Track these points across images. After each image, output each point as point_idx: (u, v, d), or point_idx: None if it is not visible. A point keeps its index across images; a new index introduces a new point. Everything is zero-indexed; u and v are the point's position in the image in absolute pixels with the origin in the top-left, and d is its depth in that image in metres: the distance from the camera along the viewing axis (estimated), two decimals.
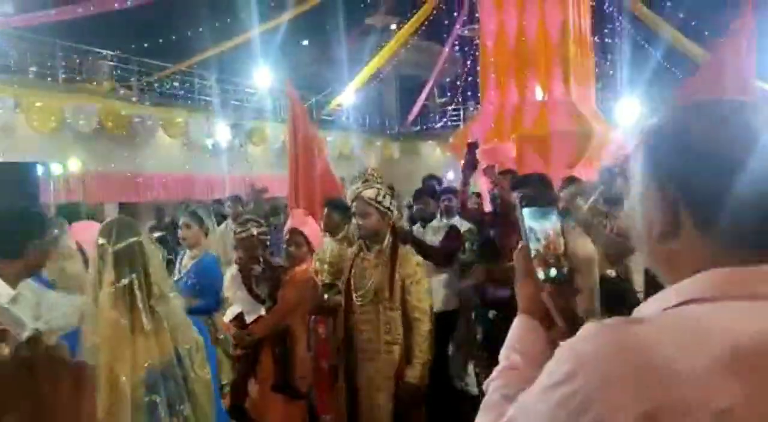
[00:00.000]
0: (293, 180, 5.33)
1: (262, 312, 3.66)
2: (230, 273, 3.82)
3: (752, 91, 3.60)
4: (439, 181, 6.63)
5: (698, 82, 3.70)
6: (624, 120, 16.30)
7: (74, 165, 12.35)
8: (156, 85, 15.37)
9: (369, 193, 3.20)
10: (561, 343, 0.86)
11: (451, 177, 13.81)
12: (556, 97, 10.43)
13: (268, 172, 16.27)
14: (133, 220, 2.06)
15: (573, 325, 1.02)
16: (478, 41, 15.24)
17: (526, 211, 1.09)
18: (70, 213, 13.38)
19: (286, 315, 3.52)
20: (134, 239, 1.92)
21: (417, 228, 4.75)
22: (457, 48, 21.01)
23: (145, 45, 14.38)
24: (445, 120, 22.83)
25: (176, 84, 15.70)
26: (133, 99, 13.94)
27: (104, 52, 14.10)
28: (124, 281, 1.86)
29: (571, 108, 10.28)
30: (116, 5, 12.02)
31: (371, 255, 3.22)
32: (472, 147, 4.84)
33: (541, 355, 1.02)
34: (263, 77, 17.22)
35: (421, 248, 3.79)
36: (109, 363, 1.79)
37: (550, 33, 10.31)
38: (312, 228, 3.78)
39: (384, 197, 3.21)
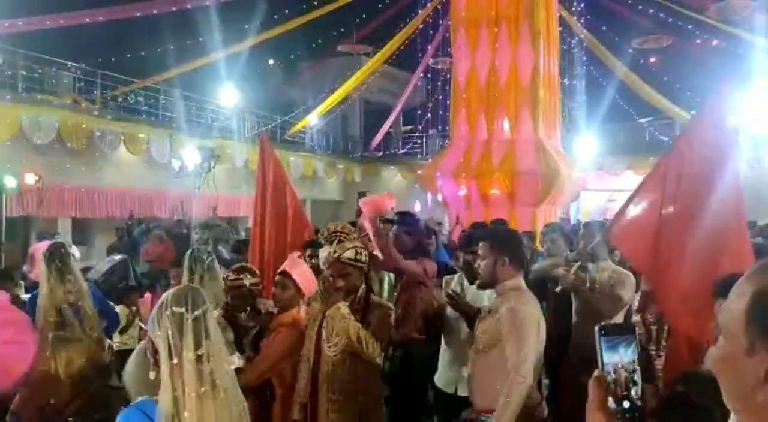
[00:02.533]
0: (260, 223, 5.30)
1: (236, 360, 3.56)
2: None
3: (733, 162, 3.71)
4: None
5: (683, 152, 3.80)
6: (583, 157, 16.80)
7: (29, 178, 11.91)
8: (119, 99, 15.02)
9: (348, 254, 3.24)
10: None
11: (418, 208, 13.96)
12: (524, 135, 10.66)
13: (231, 192, 16.08)
14: (201, 289, 2.09)
15: None
16: (447, 72, 15.50)
17: (603, 340, 1.10)
18: (23, 227, 13.02)
19: (269, 367, 3.42)
20: (206, 307, 1.98)
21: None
22: (425, 77, 21.30)
23: (111, 59, 14.07)
24: (408, 147, 23.04)
25: (140, 99, 15.37)
26: (95, 112, 13.59)
27: (68, 63, 13.72)
28: (202, 350, 1.91)
29: (538, 146, 10.52)
30: (87, 19, 11.75)
31: (343, 305, 3.22)
32: (360, 196, 5.24)
33: None
34: (229, 96, 17.05)
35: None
36: None
37: (521, 74, 10.57)
38: (302, 272, 3.64)
39: (361, 253, 3.28)
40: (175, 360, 1.88)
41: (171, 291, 2.04)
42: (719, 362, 0.91)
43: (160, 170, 14.59)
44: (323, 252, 3.39)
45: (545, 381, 4.50)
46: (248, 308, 3.70)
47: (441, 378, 4.01)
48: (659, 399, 1.84)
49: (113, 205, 13.67)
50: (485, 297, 3.46)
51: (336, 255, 3.24)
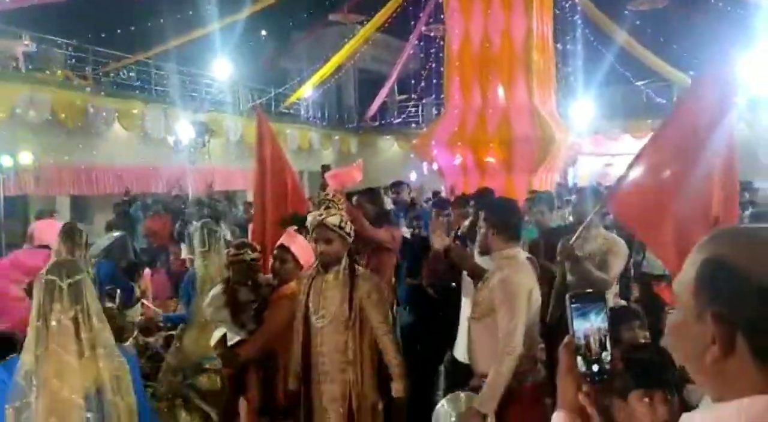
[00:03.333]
0: (260, 200, 5.34)
1: (245, 335, 3.65)
2: (213, 292, 3.80)
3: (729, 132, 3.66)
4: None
5: (679, 121, 3.79)
6: (579, 122, 16.75)
7: (25, 157, 11.90)
8: (112, 75, 14.90)
9: (333, 220, 3.30)
10: None
11: (414, 178, 14.00)
12: (518, 102, 10.63)
13: (227, 165, 16.07)
14: (77, 261, 2.42)
15: None
16: (440, 40, 15.36)
17: (573, 307, 1.14)
18: (21, 207, 13.04)
19: (271, 337, 3.52)
20: (80, 277, 2.19)
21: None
22: (418, 45, 21.09)
23: (102, 34, 13.92)
24: (403, 116, 22.93)
25: (132, 74, 15.26)
26: (88, 89, 13.50)
27: (58, 40, 13.58)
28: (71, 313, 2.12)
29: (533, 113, 10.50)
30: None
31: (330, 277, 3.30)
32: (325, 169, 5.15)
33: None
34: (222, 69, 16.92)
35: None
36: (59, 386, 2.07)
37: (515, 40, 10.49)
38: (300, 246, 3.72)
39: (346, 223, 3.34)
40: (39, 323, 2.09)
41: (49, 262, 2.33)
42: (674, 328, 0.96)
43: (155, 146, 14.56)
44: (310, 217, 3.41)
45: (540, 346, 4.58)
46: (249, 282, 3.76)
47: (458, 349, 3.96)
48: (624, 361, 1.92)
49: (110, 182, 13.67)
50: (483, 265, 3.50)
51: (320, 218, 3.28)
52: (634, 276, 5.94)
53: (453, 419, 3.07)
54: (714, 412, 0.88)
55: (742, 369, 0.86)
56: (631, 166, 3.75)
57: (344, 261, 3.32)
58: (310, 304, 3.30)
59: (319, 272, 3.36)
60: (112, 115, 13.70)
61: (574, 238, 3.93)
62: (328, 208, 3.40)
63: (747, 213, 6.28)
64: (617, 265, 4.10)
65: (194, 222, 6.76)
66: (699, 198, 3.52)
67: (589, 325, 1.12)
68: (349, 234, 3.32)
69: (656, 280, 5.62)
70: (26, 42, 12.54)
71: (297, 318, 3.38)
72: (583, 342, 1.12)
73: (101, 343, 2.17)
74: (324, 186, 4.91)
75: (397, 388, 3.22)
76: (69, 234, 4.23)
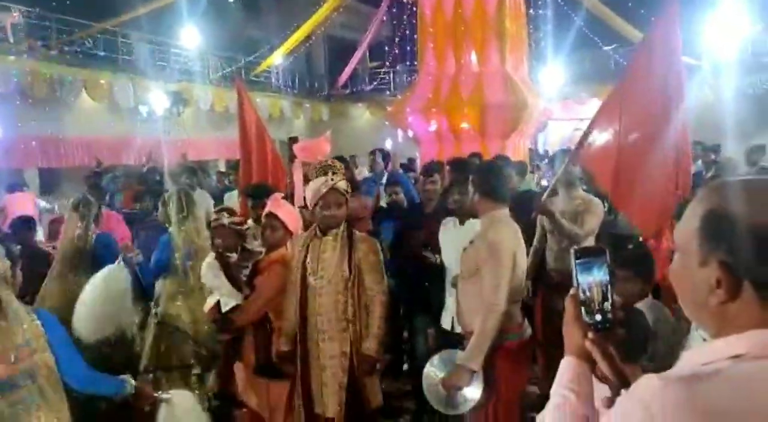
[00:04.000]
0: (247, 169, 5.41)
1: (240, 300, 3.73)
2: (208, 259, 3.87)
3: (682, 72, 3.80)
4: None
5: (635, 70, 3.94)
6: (549, 87, 16.89)
7: None
8: (77, 44, 14.51)
9: (342, 185, 3.41)
10: (623, 392, 1.05)
11: (389, 146, 14.02)
12: (491, 67, 10.68)
13: (199, 135, 15.89)
14: None
15: (617, 372, 1.16)
16: (412, 6, 15.25)
17: (577, 262, 1.23)
18: None
19: (265, 303, 3.60)
20: None
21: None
22: (390, 11, 20.86)
23: (66, 2, 13.51)
24: (375, 83, 22.79)
25: (99, 44, 14.87)
26: (52, 59, 13.16)
27: (19, 8, 13.16)
28: None
29: (506, 78, 10.57)
30: None
31: (329, 239, 3.41)
32: (293, 141, 5.21)
33: (591, 394, 1.19)
34: (190, 37, 16.59)
35: None
36: None
37: (487, 5, 10.49)
38: (287, 212, 3.75)
39: (349, 188, 3.46)
40: None
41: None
42: (678, 274, 1.05)
43: (126, 116, 14.31)
44: (313, 184, 3.43)
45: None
46: (237, 248, 3.84)
47: (446, 317, 4.04)
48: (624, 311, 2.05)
49: (80, 154, 13.44)
50: (472, 231, 3.60)
51: (332, 183, 3.35)
52: (603, 235, 6.13)
53: (441, 376, 3.21)
54: (715, 344, 0.96)
55: (744, 308, 0.94)
56: (591, 126, 3.93)
57: (343, 225, 3.43)
58: (308, 265, 3.39)
59: (316, 235, 3.45)
60: (79, 86, 13.41)
61: (546, 193, 4.10)
62: (334, 173, 3.47)
63: (710, 173, 6.54)
64: (592, 222, 4.25)
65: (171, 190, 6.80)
66: (662, 161, 3.71)
67: (592, 278, 1.21)
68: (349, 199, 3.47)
69: (626, 241, 5.79)
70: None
71: (292, 281, 3.46)
72: (588, 294, 1.21)
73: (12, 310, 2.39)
74: (292, 158, 4.86)
75: (368, 346, 3.32)
76: (85, 205, 4.41)
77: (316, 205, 3.41)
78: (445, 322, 4.01)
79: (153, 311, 4.39)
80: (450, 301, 3.94)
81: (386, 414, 4.18)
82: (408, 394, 4.80)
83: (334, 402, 3.35)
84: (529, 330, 3.33)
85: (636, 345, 2.08)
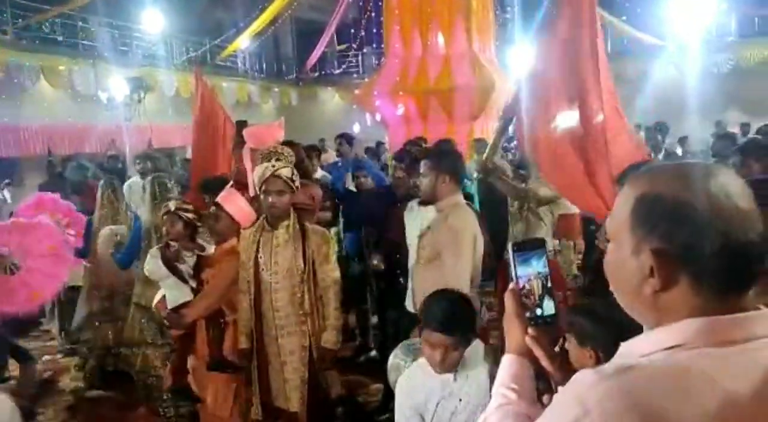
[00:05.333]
0: (199, 161, 5.27)
1: (187, 293, 3.62)
2: (150, 251, 3.77)
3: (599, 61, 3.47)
4: None
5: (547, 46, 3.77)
6: (517, 68, 16.86)
7: None
8: (33, 29, 14.05)
9: (286, 172, 3.27)
10: (560, 388, 1.01)
11: (357, 129, 13.91)
12: (458, 49, 10.60)
13: (164, 121, 15.56)
14: None
15: (559, 367, 1.14)
16: None
17: (516, 254, 1.19)
18: None
19: (218, 298, 3.48)
20: None
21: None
22: None
23: None
24: (344, 66, 22.57)
25: (56, 28, 14.41)
26: (8, 44, 12.74)
27: None
28: None
29: (473, 60, 10.51)
30: None
31: (280, 232, 3.30)
32: (241, 126, 5.10)
33: (533, 392, 1.15)
34: (153, 21, 16.18)
35: None
36: None
37: None
38: (234, 202, 3.61)
39: (296, 176, 3.33)
40: None
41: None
42: (611, 264, 1.00)
43: (86, 103, 13.94)
44: (257, 170, 3.34)
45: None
46: (185, 238, 3.72)
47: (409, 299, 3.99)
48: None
49: (40, 142, 13.08)
50: (430, 216, 3.56)
51: (273, 169, 3.23)
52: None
53: (406, 365, 3.16)
54: (651, 335, 0.92)
55: (680, 297, 0.90)
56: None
57: (292, 217, 3.32)
58: (260, 261, 3.30)
59: (265, 229, 3.34)
60: (36, 72, 13.02)
61: (487, 150, 4.06)
62: (278, 159, 3.36)
63: (660, 155, 6.51)
64: (543, 191, 4.20)
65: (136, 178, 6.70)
66: (591, 142, 3.52)
67: (531, 271, 1.18)
68: (298, 188, 3.33)
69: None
70: None
71: (243, 277, 3.36)
72: (527, 287, 1.17)
73: None
74: (240, 144, 4.61)
75: (327, 338, 3.28)
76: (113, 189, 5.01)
77: (259, 192, 3.32)
78: (409, 305, 3.97)
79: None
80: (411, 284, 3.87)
81: (347, 403, 4.15)
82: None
83: (297, 396, 3.31)
84: (486, 316, 3.32)
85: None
